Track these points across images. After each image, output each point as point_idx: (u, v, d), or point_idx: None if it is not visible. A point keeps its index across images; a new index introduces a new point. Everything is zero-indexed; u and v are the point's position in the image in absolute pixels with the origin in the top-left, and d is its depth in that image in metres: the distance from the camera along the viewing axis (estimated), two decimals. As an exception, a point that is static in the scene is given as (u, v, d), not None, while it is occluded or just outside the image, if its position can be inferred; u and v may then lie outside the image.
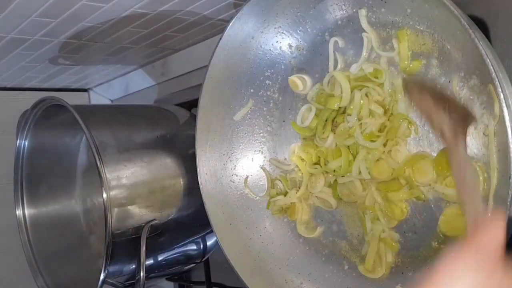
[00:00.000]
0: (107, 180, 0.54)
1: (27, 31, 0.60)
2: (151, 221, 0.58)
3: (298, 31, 0.53)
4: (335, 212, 0.52)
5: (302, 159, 0.54)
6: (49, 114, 0.65)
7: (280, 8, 0.51)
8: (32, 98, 0.65)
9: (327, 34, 0.51)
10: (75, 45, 0.68)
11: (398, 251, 0.47)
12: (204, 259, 0.69)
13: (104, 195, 0.54)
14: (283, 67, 0.55)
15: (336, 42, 0.50)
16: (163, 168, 0.61)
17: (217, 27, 0.68)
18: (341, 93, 0.49)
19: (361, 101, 0.48)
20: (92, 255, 0.69)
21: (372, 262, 0.48)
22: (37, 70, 0.79)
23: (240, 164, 0.57)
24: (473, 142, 0.42)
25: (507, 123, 0.35)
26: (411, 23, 0.45)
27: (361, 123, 0.48)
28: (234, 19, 0.51)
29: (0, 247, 0.81)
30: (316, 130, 0.52)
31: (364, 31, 0.48)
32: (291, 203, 0.54)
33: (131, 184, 0.57)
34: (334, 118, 0.51)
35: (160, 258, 0.63)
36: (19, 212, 0.69)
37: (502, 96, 0.35)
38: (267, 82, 0.56)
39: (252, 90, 0.56)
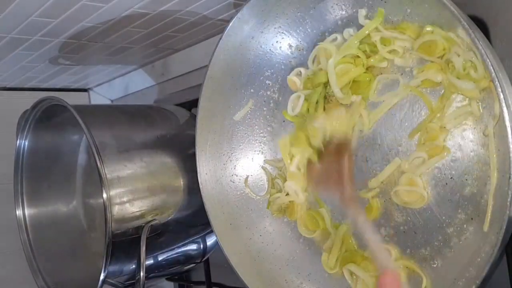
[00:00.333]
0: (107, 180, 0.54)
1: (27, 31, 0.60)
2: (151, 221, 0.58)
3: (298, 31, 0.53)
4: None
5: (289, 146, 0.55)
6: (49, 114, 0.65)
7: (280, 8, 0.51)
8: (32, 98, 0.65)
9: (327, 34, 0.51)
10: (75, 45, 0.68)
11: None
12: (204, 259, 0.69)
13: (104, 195, 0.54)
14: (283, 67, 0.55)
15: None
16: (163, 168, 0.61)
17: (217, 27, 0.68)
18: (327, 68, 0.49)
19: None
20: (92, 255, 0.69)
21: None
22: (37, 70, 0.79)
23: (240, 164, 0.57)
24: (473, 141, 0.42)
25: (507, 123, 0.35)
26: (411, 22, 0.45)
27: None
28: (234, 19, 0.51)
29: (0, 247, 0.81)
30: (308, 112, 0.52)
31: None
32: (290, 201, 0.54)
33: (131, 184, 0.57)
34: (324, 97, 0.51)
35: (160, 258, 0.63)
36: (19, 212, 0.69)
37: (502, 96, 0.35)
38: (267, 82, 0.56)
39: (252, 90, 0.56)
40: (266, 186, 0.57)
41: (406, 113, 0.46)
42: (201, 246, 0.66)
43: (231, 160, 0.57)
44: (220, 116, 0.56)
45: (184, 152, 0.62)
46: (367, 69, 0.48)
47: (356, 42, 0.47)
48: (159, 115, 0.68)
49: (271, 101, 0.57)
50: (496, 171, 0.38)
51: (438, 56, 0.43)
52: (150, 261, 0.61)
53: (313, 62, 0.52)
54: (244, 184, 0.57)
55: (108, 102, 0.96)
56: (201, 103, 0.54)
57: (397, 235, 0.47)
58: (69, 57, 0.74)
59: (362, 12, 0.48)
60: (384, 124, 0.48)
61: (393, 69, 0.47)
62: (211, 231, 0.54)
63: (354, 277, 0.49)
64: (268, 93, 0.57)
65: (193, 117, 0.62)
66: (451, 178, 0.43)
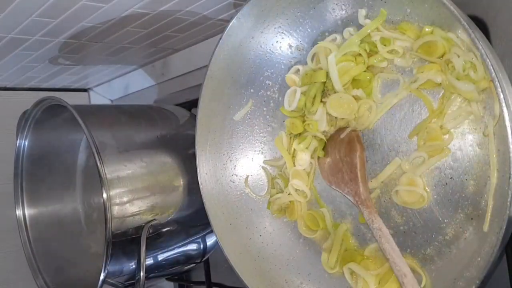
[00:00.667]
0: (107, 180, 0.54)
1: (27, 31, 0.60)
2: (151, 221, 0.58)
3: (298, 31, 0.53)
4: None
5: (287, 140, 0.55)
6: (49, 114, 0.65)
7: (280, 8, 0.51)
8: (32, 98, 0.65)
9: (327, 34, 0.51)
10: (75, 45, 0.68)
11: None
12: (204, 259, 0.69)
13: (104, 195, 0.54)
14: (283, 67, 0.55)
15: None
16: (163, 168, 0.61)
17: (217, 27, 0.68)
18: (328, 64, 0.49)
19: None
20: (92, 255, 0.69)
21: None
22: (37, 70, 0.79)
23: (240, 164, 0.57)
24: (473, 141, 0.42)
25: (507, 123, 0.35)
26: (411, 22, 0.45)
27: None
28: (234, 19, 0.51)
29: (0, 247, 0.81)
30: (305, 106, 0.52)
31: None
32: (290, 201, 0.54)
33: (131, 184, 0.57)
34: (322, 91, 0.51)
35: (160, 258, 0.63)
36: (19, 212, 0.69)
37: (502, 96, 0.35)
38: (267, 82, 0.56)
39: (252, 90, 0.56)
40: (266, 186, 0.57)
41: (406, 113, 0.46)
42: (201, 246, 0.66)
43: (231, 160, 0.57)
44: (220, 116, 0.56)
45: (184, 152, 0.62)
46: (367, 68, 0.48)
47: (357, 40, 0.47)
48: (159, 115, 0.68)
49: (271, 101, 0.57)
50: (496, 171, 0.38)
51: (438, 57, 0.43)
52: (150, 261, 0.61)
53: (312, 60, 0.52)
54: (244, 184, 0.57)
55: (108, 102, 0.96)
56: (201, 103, 0.54)
57: (397, 235, 0.47)
58: (69, 57, 0.74)
59: (362, 12, 0.48)
60: (384, 124, 0.48)
61: (393, 69, 0.47)
62: (211, 231, 0.54)
63: (354, 276, 0.49)
64: (268, 93, 0.57)
65: (193, 117, 0.62)
66: (451, 178, 0.43)
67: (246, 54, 0.54)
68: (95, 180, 0.60)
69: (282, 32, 0.53)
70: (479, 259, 0.38)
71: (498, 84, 0.35)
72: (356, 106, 0.49)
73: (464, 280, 0.39)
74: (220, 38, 0.52)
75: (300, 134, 0.54)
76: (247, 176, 0.57)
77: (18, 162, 0.68)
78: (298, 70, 0.54)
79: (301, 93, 0.52)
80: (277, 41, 0.54)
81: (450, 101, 0.42)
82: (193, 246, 0.66)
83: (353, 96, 0.49)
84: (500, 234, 0.35)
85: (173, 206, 0.61)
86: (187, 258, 0.67)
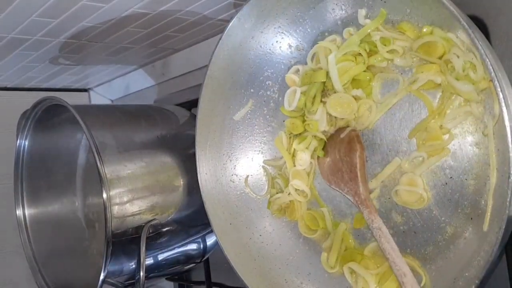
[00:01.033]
0: (107, 180, 0.54)
1: (28, 31, 0.60)
2: (151, 220, 0.58)
3: (298, 31, 0.53)
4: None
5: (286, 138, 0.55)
6: (49, 114, 0.65)
7: (280, 8, 0.51)
8: (32, 98, 0.65)
9: (327, 34, 0.51)
10: (75, 45, 0.68)
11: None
12: (204, 259, 0.69)
13: (104, 195, 0.54)
14: (283, 67, 0.55)
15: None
16: (163, 168, 0.61)
17: (217, 27, 0.68)
18: (328, 64, 0.49)
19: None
20: (92, 255, 0.69)
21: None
22: (37, 70, 0.79)
23: (240, 164, 0.58)
24: (473, 141, 0.42)
25: (506, 123, 0.35)
26: (411, 22, 0.45)
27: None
28: (234, 19, 0.51)
29: (0, 247, 0.81)
30: (305, 106, 0.52)
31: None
32: (290, 201, 0.54)
33: (131, 184, 0.57)
34: (322, 90, 0.51)
35: (160, 258, 0.63)
36: (19, 212, 0.69)
37: (501, 95, 0.35)
38: (267, 82, 0.56)
39: (252, 90, 0.57)
40: (266, 186, 0.57)
41: (406, 113, 0.46)
42: (201, 246, 0.66)
43: (231, 160, 0.57)
44: (220, 116, 0.56)
45: (184, 152, 0.62)
46: (367, 68, 0.48)
47: (357, 40, 0.47)
48: (159, 115, 0.68)
49: (271, 101, 0.57)
50: (495, 171, 0.38)
51: (437, 57, 0.43)
52: (150, 261, 0.61)
53: (312, 60, 0.52)
54: (244, 184, 0.57)
55: (108, 102, 0.96)
56: (201, 103, 0.54)
57: (396, 235, 0.47)
58: (69, 57, 0.74)
59: (362, 12, 0.48)
60: (383, 124, 0.48)
61: (393, 68, 0.47)
62: (211, 231, 0.54)
63: (354, 275, 0.49)
64: (268, 93, 0.57)
65: (193, 117, 0.63)
66: (451, 177, 0.43)
67: (246, 54, 0.54)
68: (95, 180, 0.60)
69: (282, 32, 0.53)
70: (479, 258, 0.38)
71: (498, 84, 0.35)
72: (356, 106, 0.49)
73: (463, 280, 0.39)
74: (220, 38, 0.52)
75: (300, 134, 0.54)
76: (247, 176, 0.57)
77: (18, 162, 0.68)
78: (298, 70, 0.54)
79: (301, 93, 0.52)
80: (277, 41, 0.54)
81: (450, 101, 0.42)
82: (193, 246, 0.66)
83: (353, 96, 0.49)
84: (499, 234, 0.35)
85: (173, 206, 0.61)
86: (187, 258, 0.67)
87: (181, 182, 0.61)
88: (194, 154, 0.55)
